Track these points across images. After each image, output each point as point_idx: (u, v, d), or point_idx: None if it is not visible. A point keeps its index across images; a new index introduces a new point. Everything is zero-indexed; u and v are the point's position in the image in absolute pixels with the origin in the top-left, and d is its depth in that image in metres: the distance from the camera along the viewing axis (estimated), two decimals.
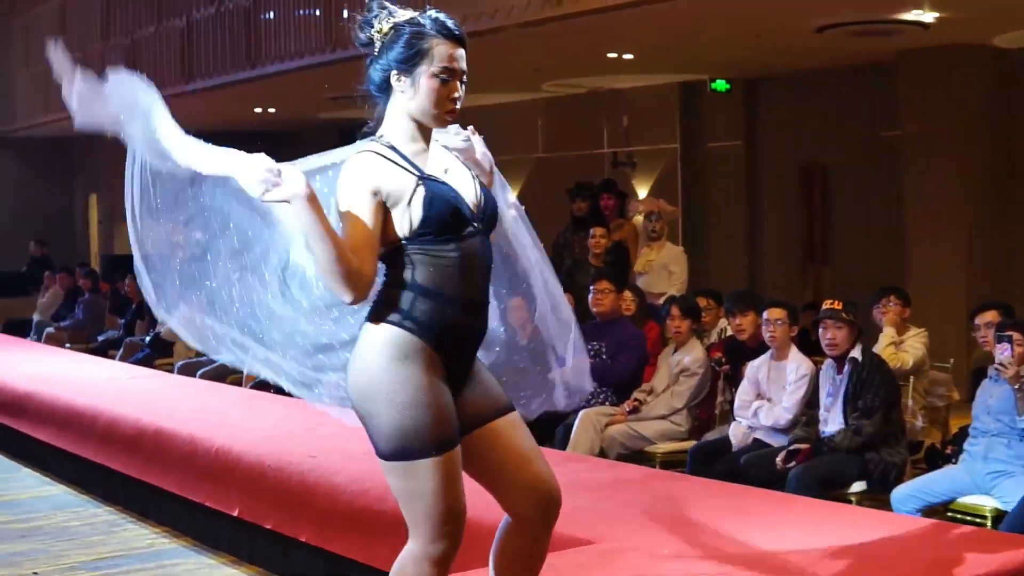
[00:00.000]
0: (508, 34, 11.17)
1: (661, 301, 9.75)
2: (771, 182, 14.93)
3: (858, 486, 7.24)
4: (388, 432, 3.55)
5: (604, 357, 8.90)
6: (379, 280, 3.63)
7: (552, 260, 10.86)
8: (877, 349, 8.03)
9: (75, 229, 22.73)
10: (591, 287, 9.16)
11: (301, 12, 13.54)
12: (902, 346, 8.28)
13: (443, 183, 3.66)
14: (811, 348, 8.20)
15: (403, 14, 3.68)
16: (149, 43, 16.62)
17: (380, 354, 3.57)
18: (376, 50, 3.70)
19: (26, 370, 11.28)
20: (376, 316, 3.61)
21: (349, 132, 18.95)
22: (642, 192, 15.20)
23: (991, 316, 7.72)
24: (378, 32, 3.69)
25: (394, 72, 3.66)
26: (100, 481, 8.97)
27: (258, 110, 17.99)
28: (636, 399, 8.67)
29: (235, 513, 7.15)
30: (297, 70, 13.69)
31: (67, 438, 9.33)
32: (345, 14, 12.78)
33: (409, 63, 3.64)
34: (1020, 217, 12.54)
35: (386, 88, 3.70)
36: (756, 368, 7.94)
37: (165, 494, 7.93)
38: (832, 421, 7.38)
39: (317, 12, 13.25)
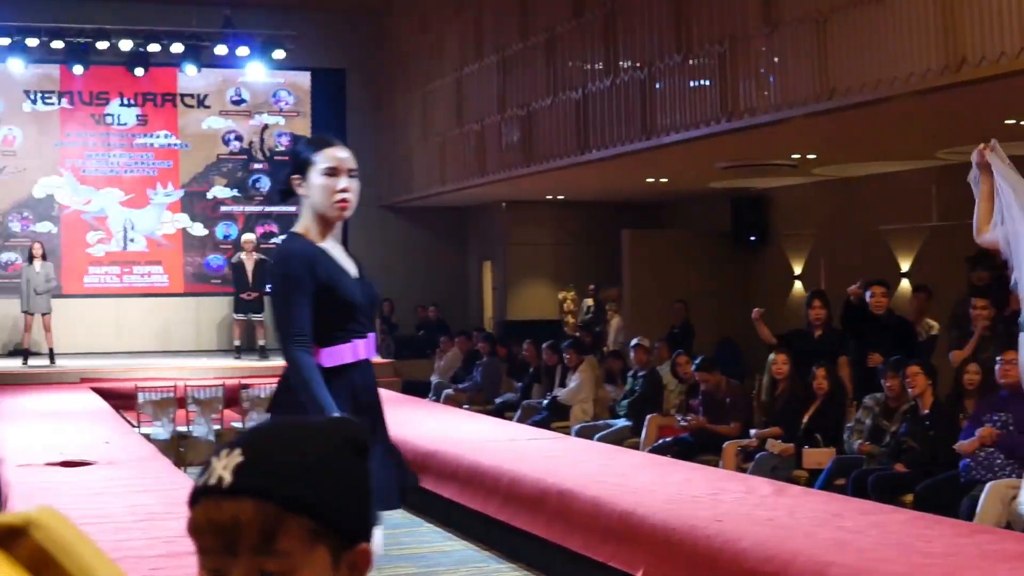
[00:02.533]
0: (903, 102, 11.02)
1: None
2: None
3: None
4: None
5: (1011, 429, 8.65)
6: None
7: (949, 329, 10.63)
8: None
9: (468, 294, 23.51)
10: (997, 357, 8.94)
11: (693, 83, 13.68)
12: None
13: None
14: None
15: None
16: (545, 115, 17.06)
17: None
18: None
19: (429, 429, 11.74)
20: None
21: (739, 202, 19.14)
22: None
23: None
24: None
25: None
26: (503, 538, 9.23)
27: (650, 180, 18.21)
28: None
29: (639, 574, 7.25)
30: (691, 140, 13.81)
31: (470, 495, 9.64)
32: (741, 85, 12.87)
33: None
34: None
35: None
36: None
37: (567, 553, 8.11)
38: None
39: (708, 83, 13.37)
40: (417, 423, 12.29)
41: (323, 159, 4.76)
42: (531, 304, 21.65)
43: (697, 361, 12.22)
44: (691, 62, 13.71)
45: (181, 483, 8.71)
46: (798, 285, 18.42)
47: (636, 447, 11.41)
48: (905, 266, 16.58)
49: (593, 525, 7.86)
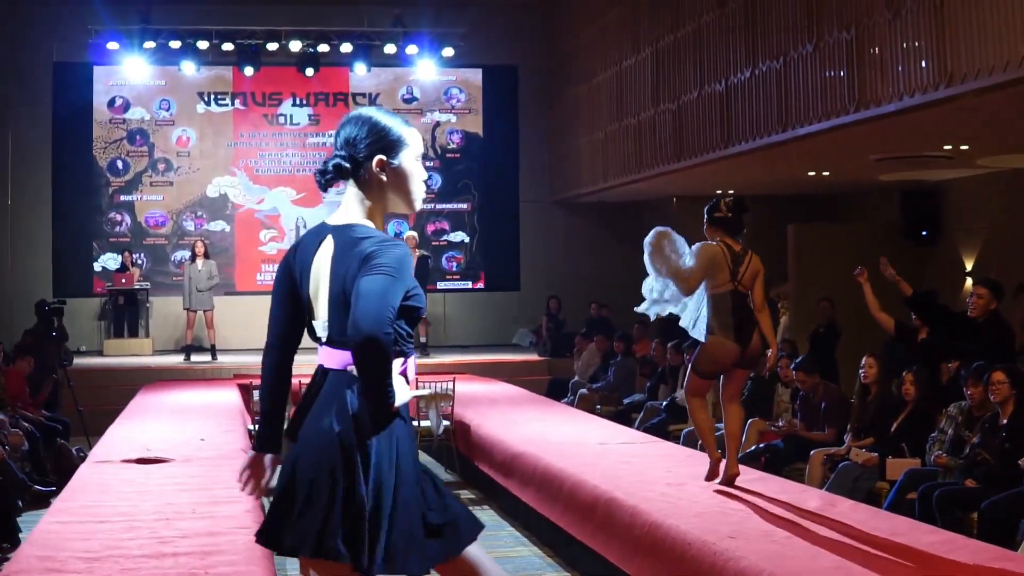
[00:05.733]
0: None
1: None
2: None
3: None
4: None
5: None
6: None
7: None
8: None
9: (634, 291, 23.05)
10: None
11: (829, 73, 13.17)
12: None
13: None
14: None
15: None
16: (692, 107, 16.71)
17: None
18: None
19: (525, 431, 11.51)
20: None
21: (910, 195, 18.39)
22: None
23: None
24: None
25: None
26: (566, 546, 9.01)
27: (811, 173, 17.67)
28: None
29: None
30: (824, 131, 13.30)
31: (543, 500, 9.42)
32: (868, 74, 12.34)
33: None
34: None
35: None
36: None
37: (608, 563, 7.84)
38: None
39: (842, 73, 12.84)
40: (521, 423, 12.11)
41: (416, 142, 4.22)
42: None
43: (797, 361, 11.68)
44: (823, 51, 13.20)
45: (229, 483, 8.66)
46: (968, 282, 17.62)
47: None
48: None
49: (628, 536, 7.56)
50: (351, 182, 4.17)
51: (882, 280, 11.70)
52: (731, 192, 19.55)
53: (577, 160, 21.93)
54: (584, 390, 16.36)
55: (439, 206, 23.45)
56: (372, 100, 23.18)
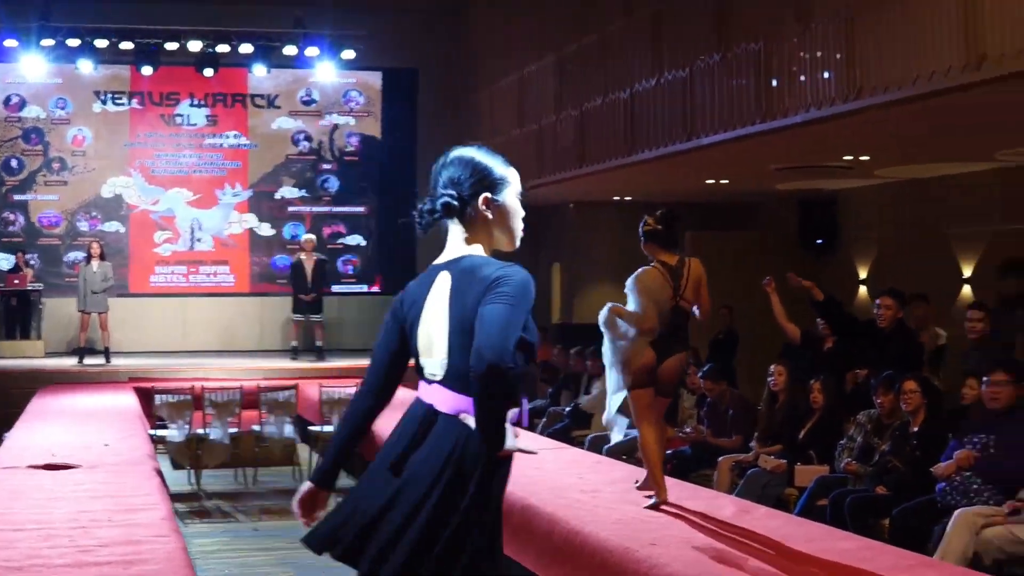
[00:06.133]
0: (940, 99, 10.48)
1: None
2: None
3: None
4: None
5: (992, 452, 8.14)
6: None
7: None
8: None
9: (538, 297, 23.09)
10: (984, 377, 8.44)
11: (735, 83, 13.28)
12: None
13: None
14: None
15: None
16: (596, 114, 16.78)
17: None
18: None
19: None
20: None
21: (808, 204, 18.61)
22: None
23: None
24: None
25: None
26: None
27: (710, 181, 17.82)
28: (1021, 499, 7.87)
29: None
30: (729, 141, 13.41)
31: None
32: (774, 83, 12.46)
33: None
34: None
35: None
36: None
37: (525, 570, 7.83)
38: None
39: (745, 82, 12.96)
40: None
41: (516, 180, 4.26)
42: (598, 307, 21.18)
43: (704, 369, 11.78)
44: (730, 61, 13.32)
45: (140, 490, 8.56)
46: (863, 290, 17.89)
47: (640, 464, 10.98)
48: (967, 271, 16.00)
49: (546, 543, 7.56)
50: (454, 222, 4.19)
51: (788, 289, 11.82)
52: (629, 198, 19.73)
53: None
54: None
55: (336, 209, 23.36)
56: (270, 102, 23.03)
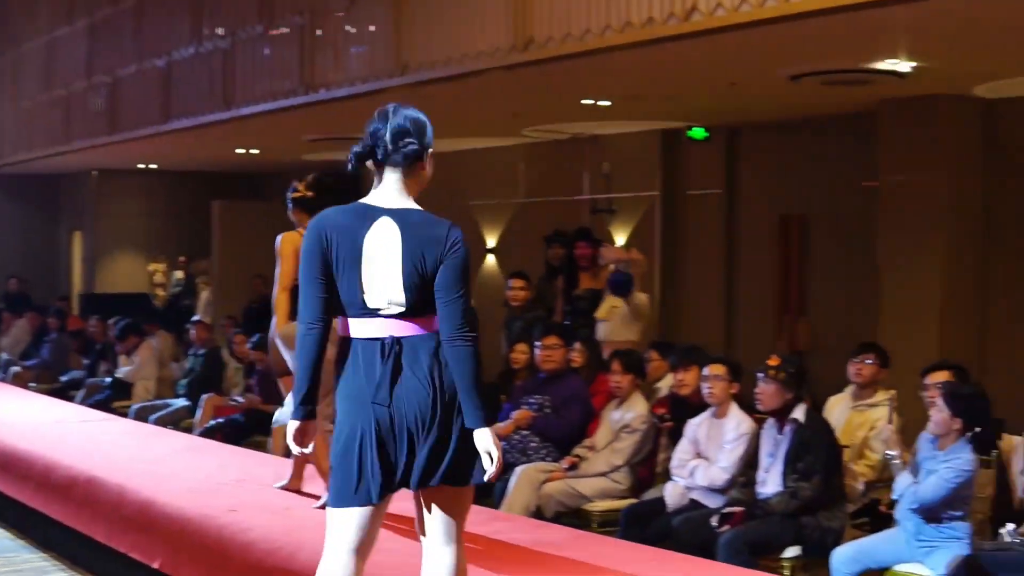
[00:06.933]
0: (487, 78, 10.96)
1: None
2: (749, 231, 14.65)
3: (792, 551, 7.03)
4: None
5: (547, 411, 8.69)
6: None
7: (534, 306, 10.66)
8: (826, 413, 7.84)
9: (58, 266, 22.59)
10: (537, 342, 8.96)
11: (279, 55, 13.40)
12: (872, 410, 8.05)
13: None
14: None
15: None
16: (130, 82, 16.54)
17: None
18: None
19: None
20: None
21: (331, 174, 18.89)
22: (620, 239, 14.97)
23: (942, 376, 7.52)
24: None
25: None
26: (38, 526, 8.80)
27: (240, 151, 17.86)
28: (576, 455, 8.45)
29: (156, 565, 6.97)
30: (271, 112, 13.53)
31: (7, 481, 9.17)
32: (319, 56, 12.67)
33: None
34: (997, 272, 12.28)
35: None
36: (695, 426, 7.73)
37: (94, 543, 7.75)
38: (770, 483, 7.16)
39: (293, 56, 13.10)
40: None
41: None
42: (121, 276, 21.02)
43: (253, 340, 11.89)
44: (272, 33, 13.43)
45: None
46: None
47: (189, 430, 11.05)
48: (491, 242, 16.73)
49: (116, 514, 7.51)
50: (391, 169, 4.40)
51: None
52: (155, 165, 19.54)
53: (0, 130, 21.13)
54: (17, 368, 15.86)
55: None
56: None
